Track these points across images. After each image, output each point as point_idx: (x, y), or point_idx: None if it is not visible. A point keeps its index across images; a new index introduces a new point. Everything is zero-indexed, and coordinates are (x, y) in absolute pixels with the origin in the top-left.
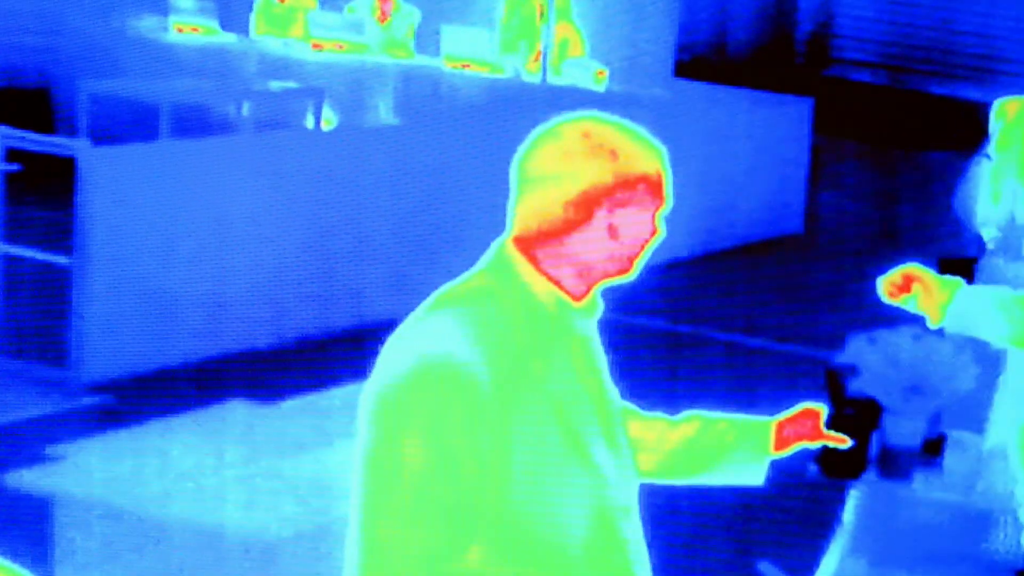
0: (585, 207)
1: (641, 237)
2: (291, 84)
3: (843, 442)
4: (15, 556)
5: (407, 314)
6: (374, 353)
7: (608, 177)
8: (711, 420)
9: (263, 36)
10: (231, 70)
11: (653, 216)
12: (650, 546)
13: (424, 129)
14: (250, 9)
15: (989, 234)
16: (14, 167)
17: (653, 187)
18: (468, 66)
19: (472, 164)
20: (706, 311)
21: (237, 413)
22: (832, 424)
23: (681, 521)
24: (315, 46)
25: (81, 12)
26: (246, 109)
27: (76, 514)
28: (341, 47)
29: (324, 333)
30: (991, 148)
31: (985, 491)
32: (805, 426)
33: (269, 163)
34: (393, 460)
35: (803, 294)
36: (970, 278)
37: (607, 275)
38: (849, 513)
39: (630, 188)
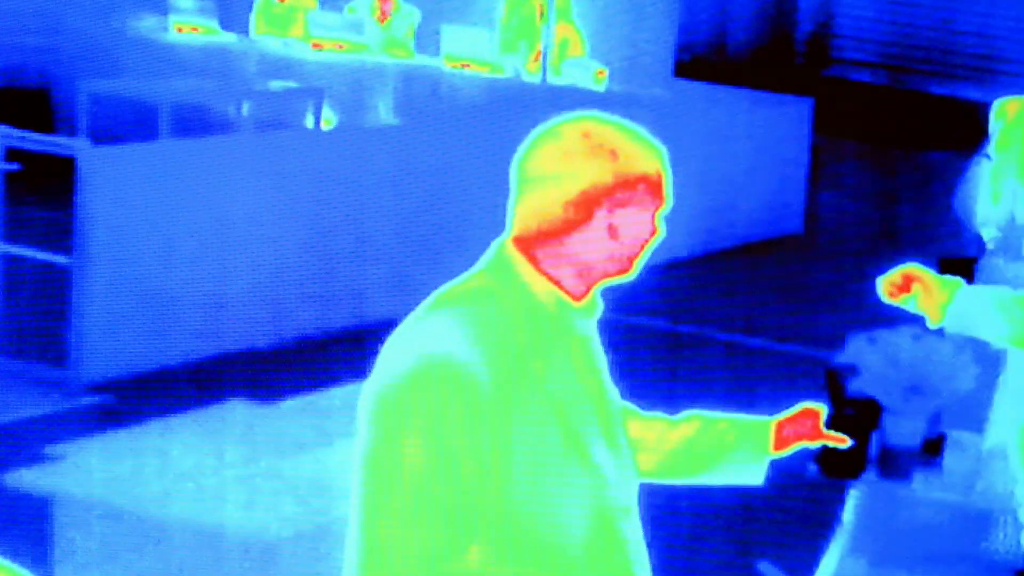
0: (585, 207)
1: (641, 237)
2: (291, 84)
3: (843, 442)
4: (15, 556)
5: (407, 314)
6: (374, 353)
7: (608, 177)
8: (711, 420)
9: (263, 36)
10: (231, 70)
11: (653, 216)
12: (650, 546)
13: (424, 129)
14: (250, 9)
15: (989, 234)
16: (14, 167)
17: (653, 187)
18: (468, 66)
19: (472, 164)
20: (706, 311)
21: (237, 413)
22: (832, 424)
23: (681, 521)
24: (315, 46)
25: (81, 12)
26: (246, 109)
27: (76, 514)
28: (341, 47)
29: (324, 333)
30: (991, 148)
31: (985, 491)
32: (805, 426)
33: (269, 163)
34: (393, 460)
35: (803, 294)
36: (970, 278)
37: (607, 275)
38: (849, 513)
39: (630, 188)
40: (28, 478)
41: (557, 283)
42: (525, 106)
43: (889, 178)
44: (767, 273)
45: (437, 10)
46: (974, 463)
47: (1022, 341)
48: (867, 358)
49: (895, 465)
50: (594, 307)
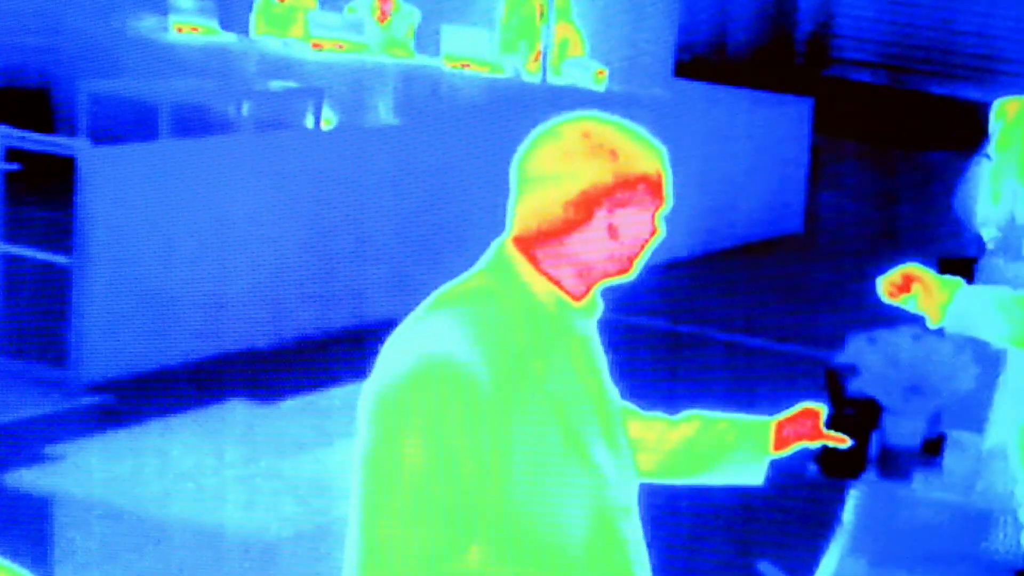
0: (585, 207)
1: (641, 237)
2: (291, 84)
3: (843, 442)
4: (15, 556)
5: (407, 314)
6: (374, 353)
7: (608, 177)
8: (711, 420)
9: (263, 36)
10: (231, 70)
11: (653, 216)
12: (650, 546)
13: (424, 129)
14: (250, 9)
15: (989, 234)
16: (14, 167)
17: (653, 187)
18: (468, 66)
19: (472, 164)
20: (706, 311)
21: (237, 413)
22: (832, 424)
23: (681, 521)
24: (315, 46)
25: (81, 12)
26: (246, 109)
27: (76, 514)
28: (341, 47)
29: (324, 333)
30: (991, 148)
31: (985, 491)
32: (805, 426)
33: (269, 163)
34: (393, 460)
35: (803, 294)
36: (970, 278)
37: (607, 275)
38: (849, 513)
39: (630, 188)
40: (28, 478)
41: (557, 283)
42: (525, 106)
43: (889, 178)
44: (767, 273)
45: (437, 10)
46: (974, 463)
47: (1022, 341)
48: (867, 358)
49: (895, 465)
50: (594, 307)
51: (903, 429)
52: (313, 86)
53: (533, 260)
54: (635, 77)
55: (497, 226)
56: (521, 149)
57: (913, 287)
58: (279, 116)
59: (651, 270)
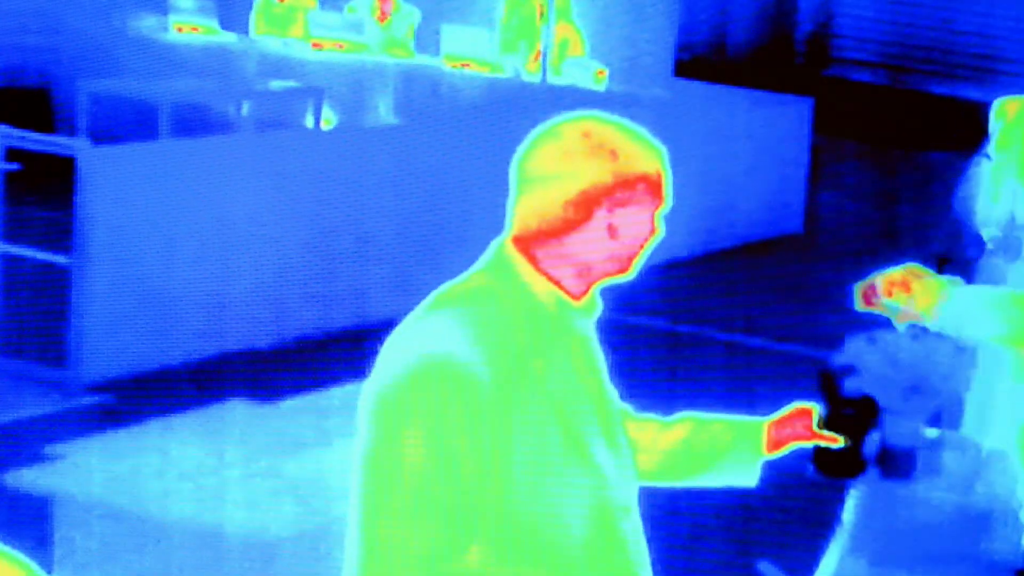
0: (585, 207)
1: (641, 237)
2: (291, 84)
3: (836, 441)
4: None
5: (407, 314)
6: (374, 353)
7: (608, 177)
8: (704, 421)
9: (263, 36)
10: (231, 70)
11: (652, 216)
12: (650, 546)
13: (424, 129)
14: (250, 9)
15: (989, 234)
16: (14, 167)
17: (653, 186)
18: (468, 66)
19: (472, 164)
20: (706, 311)
21: (237, 413)
22: (827, 424)
23: (681, 521)
24: (315, 46)
25: (81, 12)
26: (246, 109)
27: (76, 514)
28: (341, 47)
29: (324, 333)
30: (991, 148)
31: (985, 491)
32: (798, 426)
33: (269, 163)
34: (393, 459)
35: (803, 294)
36: (969, 278)
37: (607, 275)
38: (849, 513)
39: (630, 188)
40: (28, 478)
41: (557, 283)
42: (525, 106)
43: (889, 178)
44: (767, 273)
45: (437, 10)
46: (974, 463)
47: (1018, 340)
48: (866, 358)
49: (895, 465)
50: (594, 307)
51: (903, 429)
52: (313, 86)
53: (533, 260)
54: (635, 77)
55: (497, 226)
56: (521, 149)
57: (912, 285)
58: (279, 116)
59: (651, 270)
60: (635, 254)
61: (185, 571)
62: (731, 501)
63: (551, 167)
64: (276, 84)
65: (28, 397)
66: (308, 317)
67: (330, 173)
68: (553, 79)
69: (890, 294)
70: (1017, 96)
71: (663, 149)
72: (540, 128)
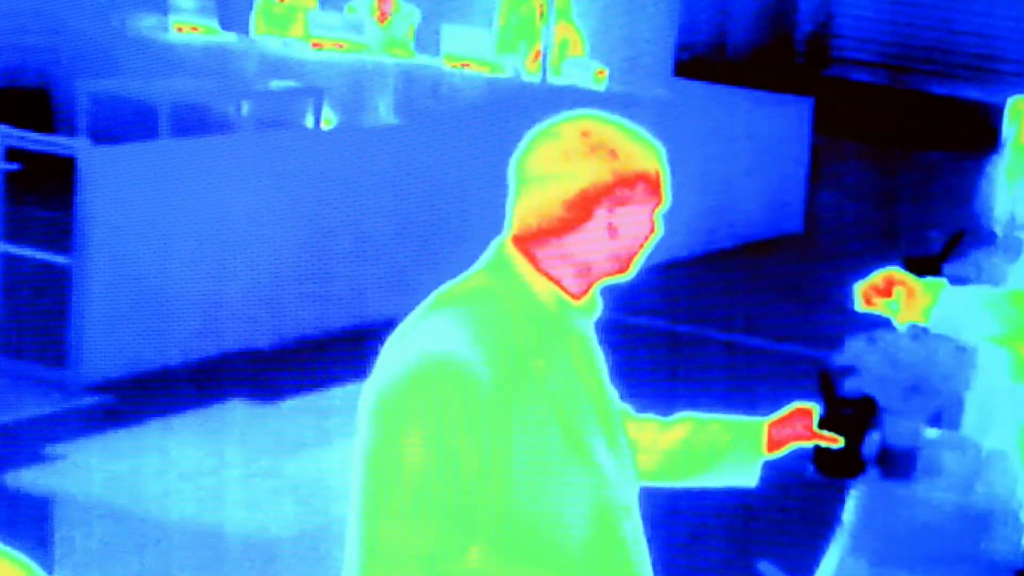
0: (585, 206)
1: (640, 236)
2: (291, 84)
3: (836, 441)
4: None
5: (407, 314)
6: (374, 353)
7: (608, 176)
8: (703, 422)
9: (263, 36)
10: (231, 70)
11: (652, 215)
12: (650, 546)
13: (424, 129)
14: (250, 9)
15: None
16: (14, 167)
17: (652, 185)
18: (468, 66)
19: (472, 164)
20: (706, 311)
21: (237, 413)
22: (826, 423)
23: (681, 521)
24: (315, 46)
25: (81, 12)
26: (246, 109)
27: (76, 514)
28: (341, 47)
29: (324, 333)
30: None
31: (985, 491)
32: (797, 426)
33: (269, 163)
34: (394, 459)
35: (803, 294)
36: (937, 276)
37: (607, 274)
38: (849, 513)
39: (629, 186)
40: (28, 478)
41: (557, 282)
42: (525, 106)
43: (889, 178)
44: (767, 273)
45: (437, 10)
46: (974, 463)
47: (1014, 340)
48: (866, 358)
49: (895, 465)
50: (594, 306)
51: (903, 429)
52: (313, 86)
53: (533, 259)
54: (635, 77)
55: (497, 226)
56: (520, 149)
57: (895, 291)
58: (279, 116)
59: (651, 270)
60: (635, 253)
61: (185, 571)
62: (731, 501)
63: (551, 167)
64: (276, 84)
65: (28, 397)
66: (308, 317)
67: (330, 173)
68: (553, 79)
69: (890, 293)
70: None
71: (661, 148)
72: (539, 128)
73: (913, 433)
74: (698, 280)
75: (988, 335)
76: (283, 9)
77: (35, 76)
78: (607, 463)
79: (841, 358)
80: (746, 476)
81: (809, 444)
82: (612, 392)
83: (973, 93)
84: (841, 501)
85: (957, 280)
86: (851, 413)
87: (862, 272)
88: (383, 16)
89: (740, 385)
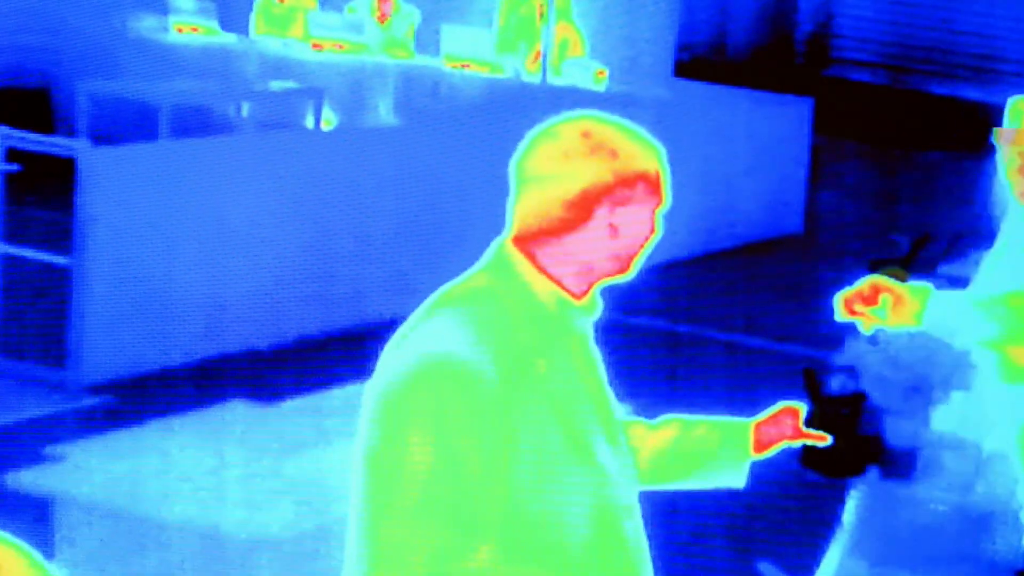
0: (586, 206)
1: (641, 236)
2: (291, 84)
3: (823, 439)
4: None
5: (408, 314)
6: (374, 353)
7: (608, 176)
8: (689, 423)
9: (263, 36)
10: (231, 70)
11: (652, 215)
12: (650, 545)
13: (424, 129)
14: (250, 9)
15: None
16: (14, 167)
17: (652, 185)
18: (468, 66)
19: (472, 164)
20: (706, 311)
21: (237, 413)
22: (814, 422)
23: (681, 521)
24: (315, 46)
25: (81, 12)
26: (246, 109)
27: (76, 514)
28: (341, 47)
29: (324, 333)
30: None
31: (985, 492)
32: (785, 425)
33: (269, 164)
34: (397, 460)
35: (803, 294)
36: (903, 278)
37: (607, 274)
38: (849, 514)
39: (630, 186)
40: (28, 479)
41: (558, 282)
42: (525, 106)
43: (889, 178)
44: (767, 273)
45: (437, 10)
46: (975, 464)
47: (1006, 342)
48: (867, 358)
49: (895, 465)
50: (594, 306)
51: (903, 429)
52: (313, 86)
53: (533, 259)
54: (635, 77)
55: (497, 226)
56: (520, 149)
57: (880, 298)
58: (279, 116)
59: (651, 270)
60: (635, 253)
61: (185, 571)
62: (731, 501)
63: (551, 167)
64: (276, 85)
65: (28, 398)
66: (308, 317)
67: (330, 174)
68: (553, 79)
69: (876, 301)
70: None
71: (662, 148)
72: (539, 128)
73: (913, 433)
74: (698, 280)
75: (979, 338)
76: (283, 10)
77: (35, 77)
78: (609, 463)
79: (841, 358)
80: (734, 477)
81: (797, 443)
82: (611, 392)
83: (973, 93)
84: (841, 501)
85: (957, 280)
86: (837, 410)
87: (862, 272)
88: (383, 16)
89: (740, 385)
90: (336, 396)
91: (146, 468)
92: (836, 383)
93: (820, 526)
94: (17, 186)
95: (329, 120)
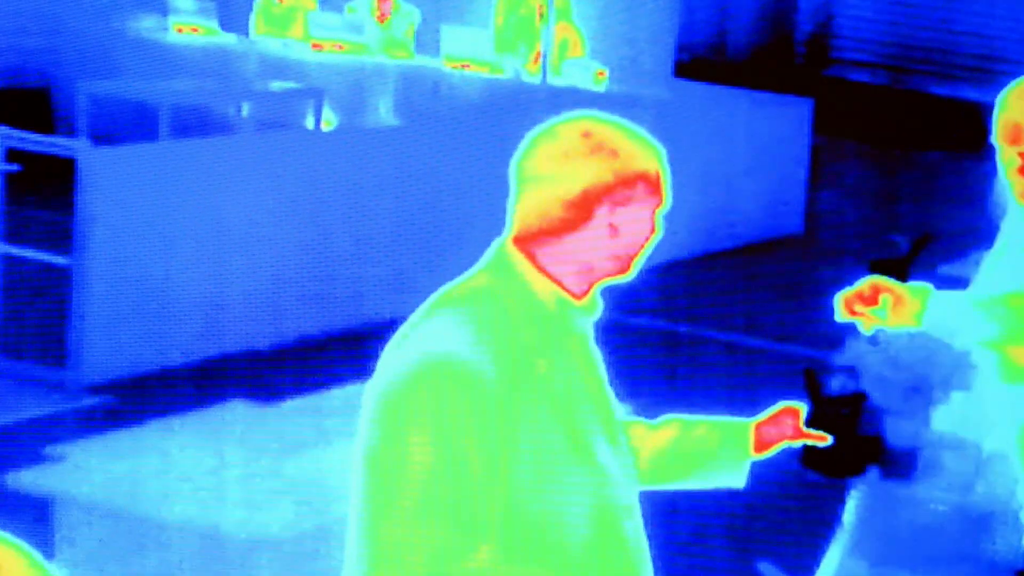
0: (586, 206)
1: (641, 236)
2: (291, 84)
3: (823, 439)
4: None
5: (407, 314)
6: (374, 353)
7: (609, 176)
8: (689, 423)
9: (263, 36)
10: (231, 71)
11: (652, 215)
12: (650, 545)
13: (424, 129)
14: (250, 9)
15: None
16: (14, 167)
17: (652, 185)
18: (468, 66)
19: (472, 164)
20: (706, 311)
21: (237, 413)
22: (814, 422)
23: (681, 521)
24: (315, 46)
25: (81, 12)
26: (246, 110)
27: (76, 515)
28: (341, 47)
29: (324, 333)
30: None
31: (986, 492)
32: (785, 425)
33: (269, 164)
34: (398, 460)
35: (803, 294)
36: (903, 278)
37: (607, 274)
38: (850, 514)
39: (630, 186)
40: (28, 479)
41: (558, 282)
42: (525, 107)
43: (889, 178)
44: (767, 273)
45: (437, 10)
46: (974, 464)
47: (1007, 342)
48: (867, 358)
49: (895, 465)
50: (595, 306)
51: (903, 429)
52: (313, 87)
53: (533, 260)
54: (635, 77)
55: (497, 226)
56: (520, 149)
57: (881, 298)
58: (279, 117)
59: (651, 270)
60: (635, 254)
61: (185, 571)
62: (731, 501)
63: (551, 167)
64: (276, 85)
65: (28, 398)
66: (308, 317)
67: (330, 174)
68: (553, 80)
69: (876, 301)
70: None
71: (662, 148)
72: (539, 128)
73: (913, 433)
74: (698, 280)
75: (979, 338)
76: (283, 10)
77: (35, 77)
78: (609, 463)
79: (841, 358)
80: (734, 477)
81: (797, 443)
82: (611, 391)
83: (972, 93)
84: (841, 501)
85: (958, 280)
86: (837, 410)
87: (862, 272)
88: (383, 17)
89: (740, 385)
90: (336, 396)
91: (146, 468)
92: (836, 383)
93: (820, 526)
94: (17, 186)
95: (329, 120)
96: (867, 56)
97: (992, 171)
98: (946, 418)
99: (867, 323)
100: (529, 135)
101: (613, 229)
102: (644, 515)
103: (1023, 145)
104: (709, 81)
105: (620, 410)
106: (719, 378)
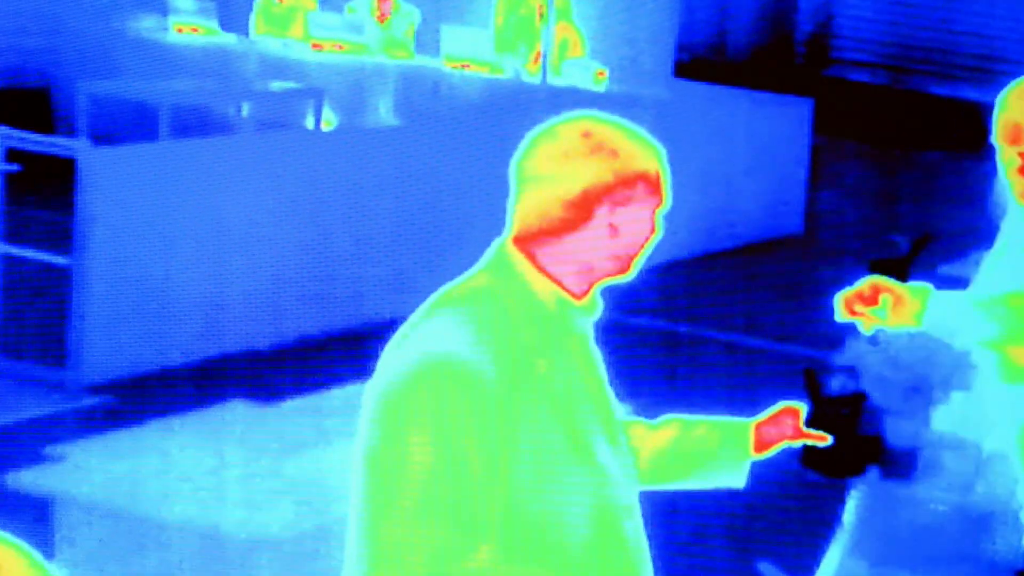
0: (586, 206)
1: (641, 236)
2: (291, 84)
3: (823, 439)
4: None
5: (407, 314)
6: (374, 353)
7: (609, 176)
8: (689, 423)
9: (263, 36)
10: (231, 71)
11: (652, 215)
12: (650, 545)
13: (424, 129)
14: (250, 9)
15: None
16: (14, 167)
17: (652, 185)
18: (468, 66)
19: (472, 164)
20: (706, 311)
21: (237, 413)
22: (814, 422)
23: (681, 521)
24: (315, 46)
25: (81, 12)
26: (246, 110)
27: (76, 515)
28: (341, 47)
29: (324, 333)
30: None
31: (986, 492)
32: (785, 425)
33: (269, 164)
34: (399, 460)
35: (803, 294)
36: (903, 278)
37: (607, 274)
38: (849, 513)
39: (630, 186)
40: (28, 479)
41: (558, 282)
42: (525, 107)
43: (889, 178)
44: (767, 273)
45: (437, 10)
46: (974, 464)
47: (1007, 342)
48: (867, 358)
49: (895, 465)
50: (595, 306)
51: (903, 429)
52: (313, 87)
53: (533, 260)
54: (635, 77)
55: (497, 226)
56: (520, 149)
57: (881, 298)
58: (279, 117)
59: (651, 270)
60: (635, 254)
61: (185, 571)
62: (731, 501)
63: (552, 167)
64: (276, 85)
65: (28, 398)
66: (308, 317)
67: (330, 174)
68: (553, 80)
69: (876, 301)
70: None
71: (662, 148)
72: (539, 128)
73: (913, 433)
74: (698, 280)
75: (979, 338)
76: (283, 10)
77: (35, 77)
78: (609, 463)
79: (841, 358)
80: (734, 477)
81: (797, 443)
82: (611, 392)
83: (973, 93)
84: (841, 501)
85: (958, 280)
86: (838, 411)
87: (862, 272)
88: (383, 16)
89: (740, 385)
90: (336, 396)
91: (146, 468)
92: (836, 383)
93: (820, 526)
94: (17, 186)
95: (329, 120)
96: (867, 56)
97: (992, 171)
98: (946, 418)
99: (867, 323)
100: (529, 135)
101: (613, 229)
102: (644, 515)
103: (1023, 145)
104: (709, 81)
105: (620, 410)
106: (719, 378)
